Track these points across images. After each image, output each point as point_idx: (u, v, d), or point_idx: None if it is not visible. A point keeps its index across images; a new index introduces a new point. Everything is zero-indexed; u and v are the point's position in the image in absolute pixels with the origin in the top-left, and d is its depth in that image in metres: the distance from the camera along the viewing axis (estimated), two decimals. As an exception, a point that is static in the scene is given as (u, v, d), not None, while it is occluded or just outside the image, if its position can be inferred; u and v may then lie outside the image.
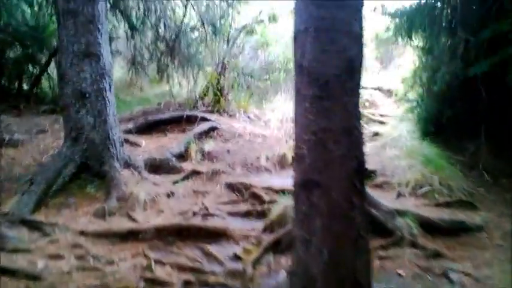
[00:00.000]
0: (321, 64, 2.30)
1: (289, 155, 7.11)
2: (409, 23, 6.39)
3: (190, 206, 5.45)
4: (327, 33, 2.29)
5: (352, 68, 2.33)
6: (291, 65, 8.56)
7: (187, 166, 6.42)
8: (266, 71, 9.24)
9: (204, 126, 7.26)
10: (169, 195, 5.72)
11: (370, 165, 5.81)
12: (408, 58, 13.65)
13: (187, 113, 7.60)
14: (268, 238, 4.43)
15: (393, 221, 4.45)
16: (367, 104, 10.54)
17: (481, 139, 5.50)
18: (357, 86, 2.38)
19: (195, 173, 6.28)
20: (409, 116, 7.13)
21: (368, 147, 6.29)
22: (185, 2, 8.09)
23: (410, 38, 6.68)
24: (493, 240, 4.32)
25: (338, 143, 2.30)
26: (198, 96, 8.37)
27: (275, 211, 4.82)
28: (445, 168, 5.30)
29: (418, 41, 7.08)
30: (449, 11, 5.67)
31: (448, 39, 5.64)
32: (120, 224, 4.81)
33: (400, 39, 6.97)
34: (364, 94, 11.01)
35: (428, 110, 6.04)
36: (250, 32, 8.50)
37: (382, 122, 8.66)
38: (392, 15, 7.12)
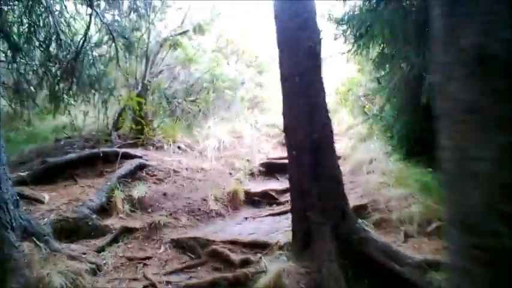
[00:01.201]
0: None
1: (241, 191, 5.78)
2: (360, 28, 5.46)
3: (129, 284, 3.87)
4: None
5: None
6: (221, 83, 7.22)
7: (115, 223, 4.75)
8: (191, 92, 7.81)
9: (129, 165, 5.57)
10: (96, 271, 4.05)
11: (356, 198, 4.71)
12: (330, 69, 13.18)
13: (104, 149, 5.82)
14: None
15: (425, 277, 3.34)
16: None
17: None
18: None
19: (127, 231, 4.67)
20: (376, 133, 6.17)
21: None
22: (88, 11, 6.38)
23: (364, 46, 5.74)
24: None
25: None
26: (112, 127, 6.64)
27: (262, 280, 3.44)
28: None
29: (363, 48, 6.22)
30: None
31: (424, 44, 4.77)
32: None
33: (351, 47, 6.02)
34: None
35: (408, 127, 5.11)
36: (173, 45, 7.03)
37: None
38: (340, 22, 6.18)
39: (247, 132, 7.82)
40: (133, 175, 5.51)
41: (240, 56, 9.24)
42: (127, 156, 5.79)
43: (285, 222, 5.06)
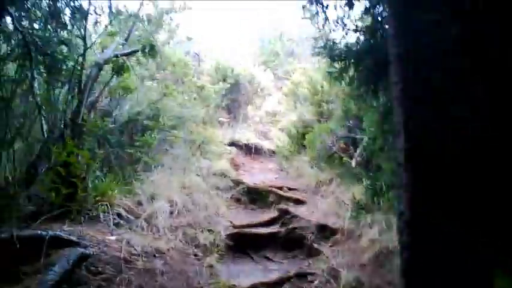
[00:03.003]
0: None
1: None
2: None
3: None
4: None
5: None
6: (167, 119, 5.49)
7: None
8: (129, 133, 5.82)
9: (64, 260, 3.51)
10: None
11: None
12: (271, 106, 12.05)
13: (19, 232, 3.62)
14: None
15: None
16: (232, 166, 8.18)
17: None
18: None
19: None
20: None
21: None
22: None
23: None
24: None
25: None
26: (20, 186, 4.35)
27: None
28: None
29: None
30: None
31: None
32: None
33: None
34: (223, 151, 8.66)
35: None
36: (117, 69, 5.05)
37: (299, 201, 6.42)
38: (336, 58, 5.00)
39: (196, 185, 6.13)
40: (71, 275, 3.50)
41: (186, 87, 7.48)
42: (57, 243, 3.72)
43: None
